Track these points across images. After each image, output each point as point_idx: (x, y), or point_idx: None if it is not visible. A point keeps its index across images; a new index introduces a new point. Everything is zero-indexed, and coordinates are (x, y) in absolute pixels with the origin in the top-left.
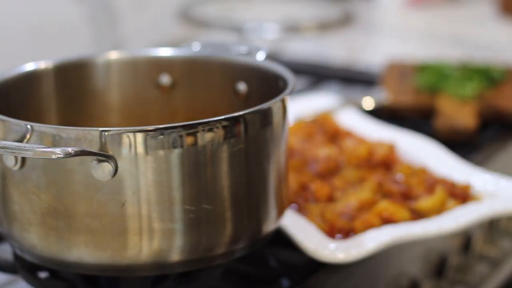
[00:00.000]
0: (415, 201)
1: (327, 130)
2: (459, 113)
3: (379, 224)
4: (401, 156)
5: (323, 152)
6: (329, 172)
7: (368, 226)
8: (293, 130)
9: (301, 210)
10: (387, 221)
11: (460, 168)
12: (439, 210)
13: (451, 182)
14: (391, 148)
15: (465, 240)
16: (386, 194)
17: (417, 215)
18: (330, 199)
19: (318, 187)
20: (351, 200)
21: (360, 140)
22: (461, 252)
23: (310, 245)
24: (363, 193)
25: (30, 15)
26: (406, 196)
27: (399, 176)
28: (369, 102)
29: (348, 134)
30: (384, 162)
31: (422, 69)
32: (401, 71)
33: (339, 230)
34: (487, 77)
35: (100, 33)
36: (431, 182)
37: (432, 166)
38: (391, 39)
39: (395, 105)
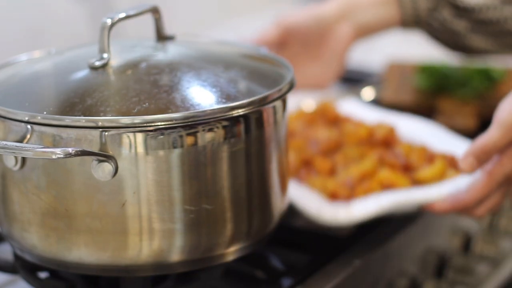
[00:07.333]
0: (415, 172)
1: (328, 117)
2: (459, 113)
3: (380, 191)
4: (401, 138)
5: (324, 134)
6: (331, 151)
7: (369, 193)
8: (294, 118)
9: (304, 182)
10: (388, 188)
11: (460, 145)
12: (439, 179)
13: (451, 155)
14: (391, 130)
15: (465, 240)
16: (388, 167)
17: (418, 185)
18: (332, 172)
19: (320, 162)
20: (353, 171)
21: (360, 125)
22: (461, 252)
23: (312, 209)
24: (365, 165)
25: (30, 15)
26: (407, 168)
27: (400, 151)
28: (368, 93)
29: (348, 120)
30: (384, 142)
31: (422, 69)
32: (401, 71)
33: (341, 198)
34: (487, 77)
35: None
36: (431, 156)
37: (432, 145)
38: (391, 39)
39: (395, 106)
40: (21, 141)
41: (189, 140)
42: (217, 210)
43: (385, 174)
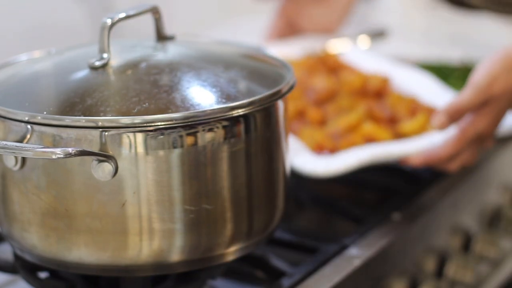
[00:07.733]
0: (399, 124)
1: (328, 65)
2: None
3: (362, 144)
4: (395, 88)
5: (321, 82)
6: (325, 100)
7: (352, 146)
8: (299, 64)
9: (295, 133)
10: (370, 141)
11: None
12: (420, 132)
13: (434, 109)
14: (384, 81)
15: (465, 240)
16: (374, 119)
17: (400, 137)
18: (323, 123)
19: (312, 112)
20: (339, 124)
21: (358, 73)
22: (461, 252)
23: (296, 162)
24: (350, 117)
25: (30, 16)
26: (392, 120)
27: (388, 103)
28: (365, 40)
29: (347, 68)
30: (377, 93)
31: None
32: None
33: (326, 150)
34: None
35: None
36: (416, 109)
37: (424, 97)
38: (392, 39)
39: None
40: (21, 141)
41: (189, 140)
42: (217, 210)
43: (368, 127)
